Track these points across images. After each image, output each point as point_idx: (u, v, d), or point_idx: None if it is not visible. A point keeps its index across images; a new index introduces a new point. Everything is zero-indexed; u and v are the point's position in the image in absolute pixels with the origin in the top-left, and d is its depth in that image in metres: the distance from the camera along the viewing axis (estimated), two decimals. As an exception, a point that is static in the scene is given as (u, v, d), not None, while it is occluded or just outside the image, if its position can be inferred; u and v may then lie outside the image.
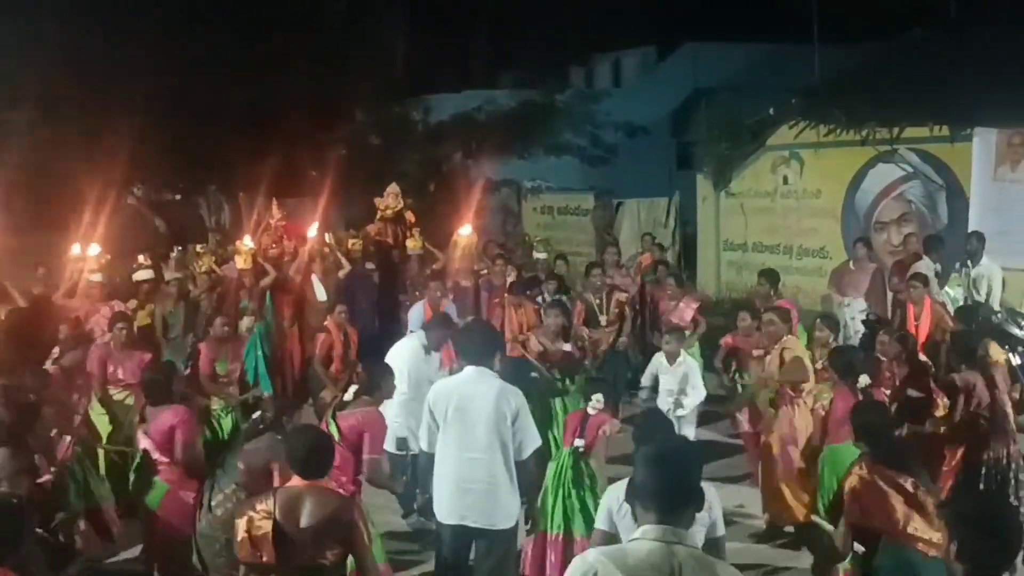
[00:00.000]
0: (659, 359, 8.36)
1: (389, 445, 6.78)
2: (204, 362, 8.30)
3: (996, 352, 7.45)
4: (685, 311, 9.97)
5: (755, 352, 8.17)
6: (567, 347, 8.14)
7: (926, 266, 10.13)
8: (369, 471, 5.67)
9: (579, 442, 6.25)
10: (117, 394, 7.99)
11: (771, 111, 13.32)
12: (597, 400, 6.40)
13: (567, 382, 8.00)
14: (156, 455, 5.93)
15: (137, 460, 6.11)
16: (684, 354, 8.32)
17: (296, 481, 4.25)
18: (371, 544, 4.37)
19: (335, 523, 4.13)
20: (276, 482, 5.07)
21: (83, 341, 8.41)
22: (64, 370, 7.84)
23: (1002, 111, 10.60)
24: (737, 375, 8.68)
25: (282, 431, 5.50)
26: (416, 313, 9.44)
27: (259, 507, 4.20)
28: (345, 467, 5.53)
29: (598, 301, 9.81)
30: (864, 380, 6.40)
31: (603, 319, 9.65)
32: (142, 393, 6.57)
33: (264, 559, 4.15)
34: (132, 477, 6.20)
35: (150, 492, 5.94)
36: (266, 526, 4.14)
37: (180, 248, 11.77)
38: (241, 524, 4.19)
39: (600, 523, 4.35)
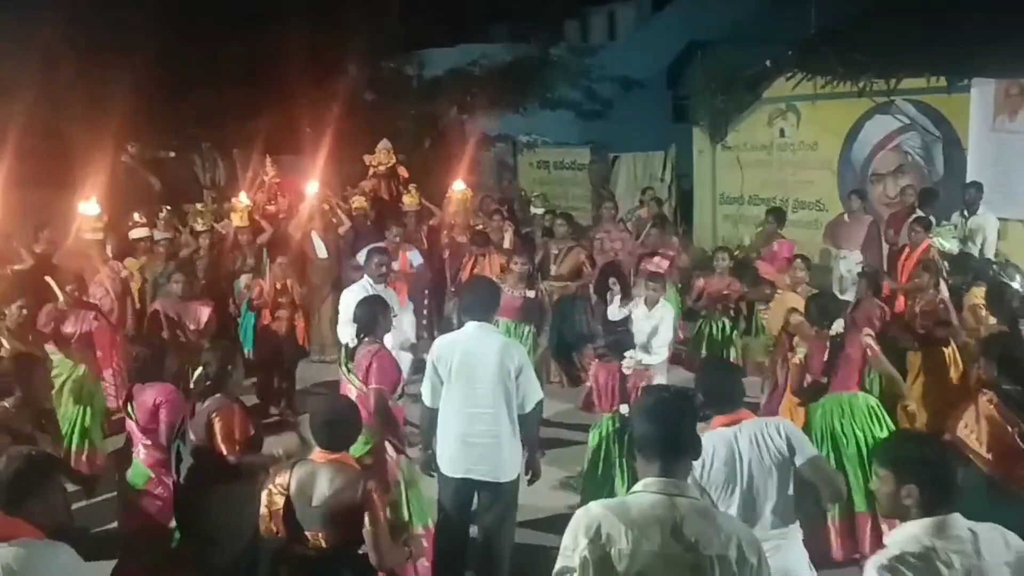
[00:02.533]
0: (639, 304, 8.43)
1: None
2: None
3: (978, 297, 7.54)
4: (662, 260, 10.06)
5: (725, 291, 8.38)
6: (530, 293, 8.16)
7: (911, 219, 10.17)
8: (374, 401, 5.72)
9: (624, 408, 6.20)
10: None
11: (767, 63, 13.24)
12: (630, 357, 6.33)
13: (528, 329, 8.00)
14: (139, 438, 5.59)
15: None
16: (662, 301, 8.41)
17: (317, 454, 4.15)
18: (401, 518, 4.22)
19: (348, 500, 3.98)
20: (227, 450, 4.97)
21: (82, 305, 8.43)
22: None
23: (1000, 61, 10.55)
24: (705, 320, 8.88)
25: (229, 383, 5.29)
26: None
27: (278, 480, 4.10)
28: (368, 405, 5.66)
29: (556, 252, 9.94)
30: (838, 326, 6.31)
31: (553, 269, 9.71)
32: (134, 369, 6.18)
33: (279, 535, 4.07)
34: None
35: (131, 472, 5.63)
36: (279, 501, 4.05)
37: (169, 207, 11.70)
38: (264, 498, 4.10)
39: None
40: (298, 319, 9.51)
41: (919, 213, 10.22)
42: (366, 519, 3.96)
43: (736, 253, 10.81)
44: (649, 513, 2.95)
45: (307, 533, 4.05)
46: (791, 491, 4.07)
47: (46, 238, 10.05)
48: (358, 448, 5.83)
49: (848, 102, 12.21)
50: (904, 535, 3.05)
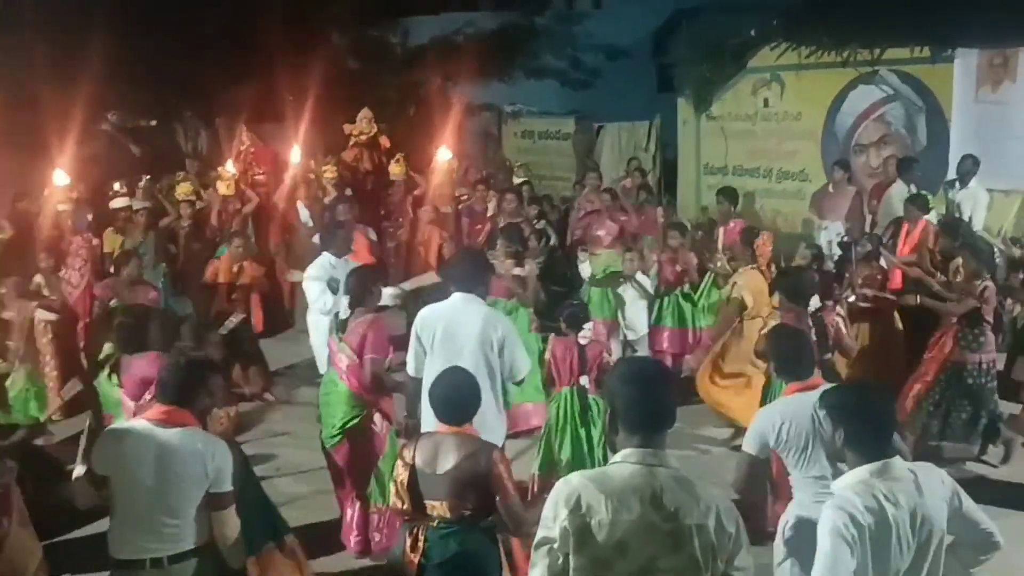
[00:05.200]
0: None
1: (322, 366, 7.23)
2: None
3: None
4: (612, 226, 10.14)
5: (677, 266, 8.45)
6: (518, 271, 8.23)
7: (899, 189, 10.23)
8: (371, 370, 5.77)
9: (584, 380, 6.23)
10: None
11: (752, 32, 13.20)
12: (588, 329, 6.36)
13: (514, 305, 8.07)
14: (128, 409, 5.54)
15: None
16: (640, 273, 8.46)
17: (439, 427, 4.16)
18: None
19: (474, 469, 3.98)
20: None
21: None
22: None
23: (983, 32, 10.56)
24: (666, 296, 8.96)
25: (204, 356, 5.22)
26: None
27: (404, 454, 4.13)
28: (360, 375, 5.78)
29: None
30: (815, 303, 6.34)
31: None
32: (115, 340, 6.16)
33: (403, 507, 4.09)
34: None
35: None
36: (405, 474, 4.07)
37: (148, 176, 11.63)
38: (394, 471, 4.15)
39: (749, 446, 4.34)
40: (254, 302, 9.39)
41: (900, 183, 10.28)
42: (497, 487, 3.99)
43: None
44: (628, 483, 2.98)
45: (431, 503, 4.05)
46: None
47: (23, 208, 9.99)
48: (348, 418, 5.89)
49: (832, 72, 12.20)
50: (850, 478, 3.29)
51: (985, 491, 5.70)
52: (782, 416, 4.27)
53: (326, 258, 7.81)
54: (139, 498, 3.83)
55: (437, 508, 4.03)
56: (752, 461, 4.33)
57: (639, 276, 8.56)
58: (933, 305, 7.41)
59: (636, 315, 9.02)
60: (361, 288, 6.00)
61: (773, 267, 8.40)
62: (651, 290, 8.94)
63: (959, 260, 7.82)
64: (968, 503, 3.31)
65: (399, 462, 4.12)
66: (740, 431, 7.51)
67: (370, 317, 5.91)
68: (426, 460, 4.03)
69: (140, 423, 3.98)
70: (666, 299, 9.22)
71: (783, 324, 5.77)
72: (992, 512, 3.52)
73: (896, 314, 8.22)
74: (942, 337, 7.23)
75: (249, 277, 9.32)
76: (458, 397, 4.20)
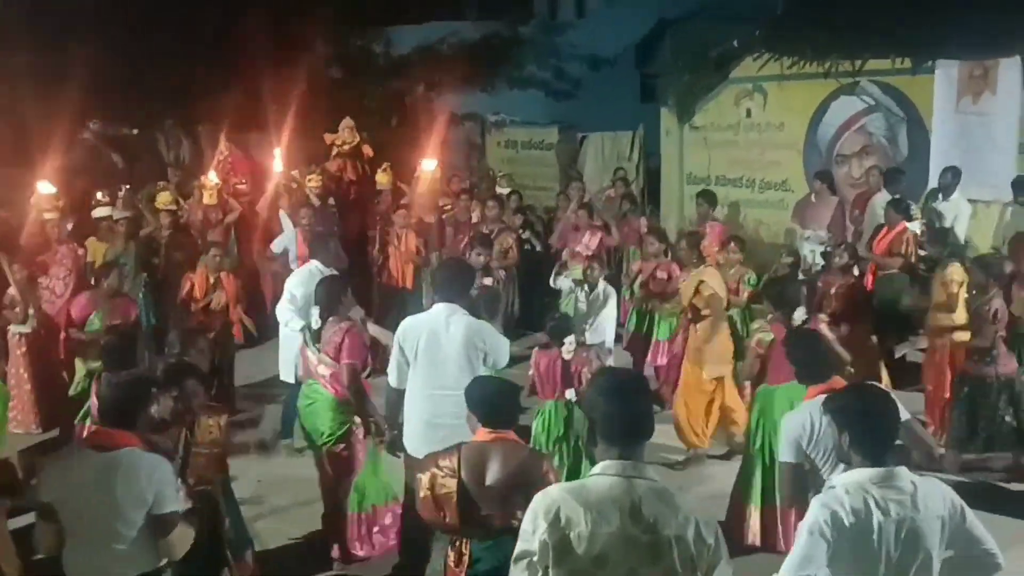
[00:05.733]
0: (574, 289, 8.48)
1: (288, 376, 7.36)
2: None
3: (956, 274, 7.66)
4: (591, 239, 10.15)
5: (658, 274, 8.45)
6: (487, 281, 8.18)
7: (883, 199, 10.28)
8: (347, 375, 5.81)
9: (570, 394, 6.23)
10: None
11: (735, 43, 13.25)
12: (571, 343, 6.34)
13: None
14: None
15: None
16: (603, 282, 8.43)
17: (482, 434, 4.02)
18: None
19: (525, 479, 3.81)
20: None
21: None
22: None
23: (964, 43, 10.63)
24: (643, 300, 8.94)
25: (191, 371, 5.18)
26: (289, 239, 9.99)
27: (443, 463, 3.94)
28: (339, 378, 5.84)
29: (488, 232, 10.24)
30: (800, 315, 6.30)
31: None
32: (103, 357, 6.07)
33: (447, 520, 3.91)
34: None
35: None
36: (450, 484, 3.87)
37: (128, 186, 11.56)
38: (424, 481, 3.94)
39: (787, 456, 4.34)
40: (233, 313, 9.17)
41: (885, 193, 10.33)
42: None
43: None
44: (607, 495, 2.97)
45: (482, 514, 3.92)
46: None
47: (2, 217, 9.92)
48: (337, 425, 5.88)
49: (814, 83, 12.26)
50: (849, 478, 3.31)
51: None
52: (811, 418, 4.32)
53: (313, 266, 7.83)
54: (85, 524, 3.77)
55: (488, 519, 3.92)
56: (794, 469, 4.33)
57: (601, 285, 8.47)
58: (967, 346, 7.35)
59: (603, 324, 8.83)
60: (330, 298, 6.03)
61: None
62: (608, 300, 8.72)
63: (949, 272, 7.82)
64: (972, 520, 3.30)
65: (435, 474, 3.93)
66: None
67: (345, 325, 5.97)
68: (473, 471, 3.92)
69: (82, 447, 3.93)
70: (656, 313, 9.12)
71: (800, 329, 5.77)
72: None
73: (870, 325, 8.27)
74: (937, 346, 7.29)
75: (225, 289, 9.06)
76: (503, 400, 4.15)
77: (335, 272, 7.65)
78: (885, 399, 3.54)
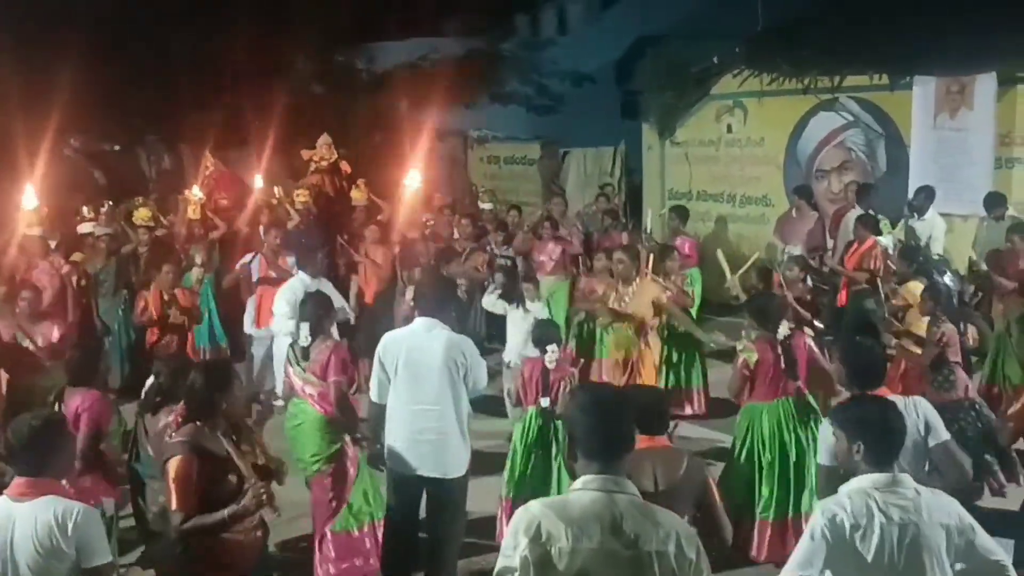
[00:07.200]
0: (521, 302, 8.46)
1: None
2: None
3: (909, 293, 7.69)
4: (554, 249, 10.21)
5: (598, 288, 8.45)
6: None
7: (856, 215, 10.35)
8: (334, 393, 5.77)
9: (544, 402, 6.24)
10: None
11: (715, 60, 13.35)
12: (552, 351, 6.32)
13: None
14: None
15: None
16: (536, 303, 8.41)
17: (642, 440, 3.89)
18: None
19: (689, 483, 3.79)
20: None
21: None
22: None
23: (941, 60, 10.75)
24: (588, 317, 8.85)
25: (180, 395, 4.67)
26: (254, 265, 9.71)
27: None
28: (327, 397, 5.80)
29: (460, 250, 10.34)
30: (784, 331, 6.22)
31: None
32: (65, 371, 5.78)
33: None
34: None
35: None
36: None
37: (110, 202, 11.52)
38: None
39: (825, 459, 4.32)
40: (190, 332, 9.09)
41: (858, 209, 10.41)
42: (709, 500, 3.89)
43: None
44: (589, 510, 2.97)
45: None
46: (926, 468, 4.27)
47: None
48: (327, 446, 5.84)
49: (793, 99, 12.36)
50: (853, 485, 3.39)
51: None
52: None
53: (300, 278, 7.86)
54: None
55: None
56: (829, 472, 4.29)
57: (530, 303, 8.43)
58: (903, 354, 7.36)
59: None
60: (318, 315, 5.99)
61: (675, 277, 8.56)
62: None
63: (903, 289, 7.88)
64: (982, 534, 3.34)
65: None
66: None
67: (331, 343, 5.96)
68: (634, 477, 3.83)
69: (2, 500, 3.72)
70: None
71: (857, 338, 5.73)
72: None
73: None
74: (904, 371, 7.29)
75: (180, 306, 8.89)
76: (647, 406, 4.12)
77: (321, 282, 7.68)
78: (895, 410, 3.61)
